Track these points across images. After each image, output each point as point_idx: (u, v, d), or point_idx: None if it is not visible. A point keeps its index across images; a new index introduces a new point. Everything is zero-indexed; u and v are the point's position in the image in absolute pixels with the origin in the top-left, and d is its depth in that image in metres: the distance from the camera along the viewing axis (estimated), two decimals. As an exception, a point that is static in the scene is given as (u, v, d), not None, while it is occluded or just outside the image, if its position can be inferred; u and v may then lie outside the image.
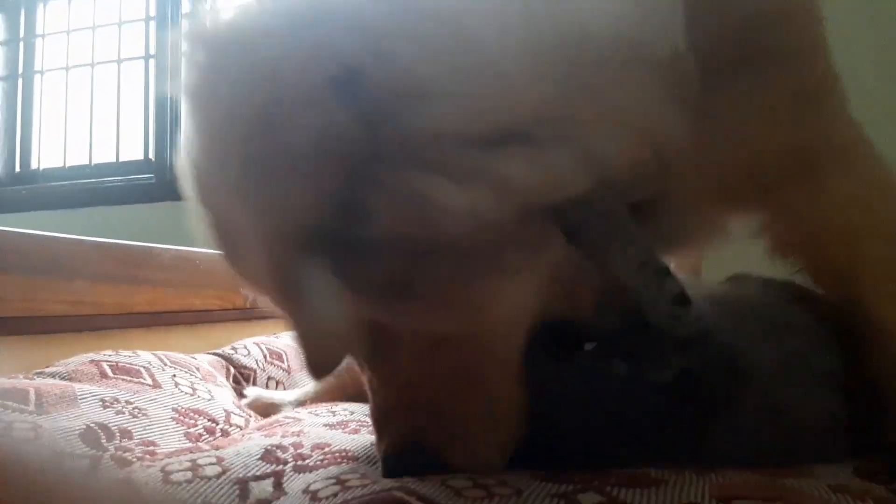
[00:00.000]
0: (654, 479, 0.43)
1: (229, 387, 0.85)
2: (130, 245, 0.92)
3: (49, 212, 2.31)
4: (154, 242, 0.95)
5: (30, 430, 0.53)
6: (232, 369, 0.92)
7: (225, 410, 0.72)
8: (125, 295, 0.89)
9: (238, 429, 0.70)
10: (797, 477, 0.45)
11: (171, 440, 0.61)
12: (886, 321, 0.52)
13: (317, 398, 0.82)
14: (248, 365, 0.94)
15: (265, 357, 0.99)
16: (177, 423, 0.65)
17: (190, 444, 0.61)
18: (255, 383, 0.93)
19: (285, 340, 1.08)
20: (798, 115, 0.52)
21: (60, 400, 0.59)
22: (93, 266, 0.85)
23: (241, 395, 0.85)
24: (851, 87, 0.55)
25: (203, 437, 0.65)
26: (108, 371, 0.69)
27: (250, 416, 0.76)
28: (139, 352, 0.77)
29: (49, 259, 0.79)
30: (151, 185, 2.28)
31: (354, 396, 0.76)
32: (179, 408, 0.67)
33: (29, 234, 0.77)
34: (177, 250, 0.96)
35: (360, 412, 0.70)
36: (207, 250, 1.06)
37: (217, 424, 0.69)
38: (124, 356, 0.74)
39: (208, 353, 0.92)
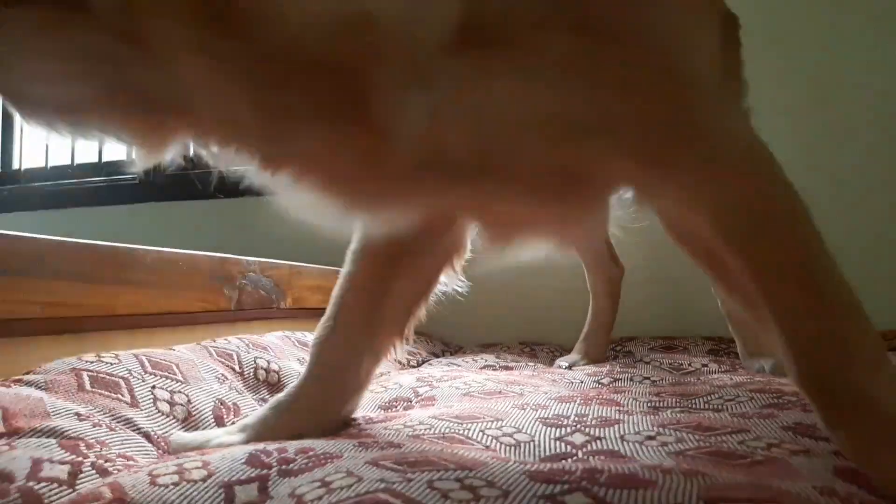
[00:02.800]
0: (643, 480, 0.43)
1: (216, 370, 0.85)
2: (113, 246, 0.91)
3: (31, 213, 2.29)
4: (137, 244, 0.94)
5: (3, 444, 0.53)
6: (213, 350, 0.91)
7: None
8: (107, 297, 0.88)
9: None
10: (783, 478, 0.45)
11: (146, 459, 0.61)
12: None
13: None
14: (227, 349, 0.94)
15: (247, 344, 0.99)
16: (153, 445, 0.65)
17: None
18: (239, 362, 0.92)
19: (270, 339, 1.07)
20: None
21: (33, 415, 0.59)
22: (74, 267, 0.84)
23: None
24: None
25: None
26: (87, 383, 0.68)
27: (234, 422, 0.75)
28: (121, 354, 0.76)
29: (30, 260, 0.78)
30: (134, 185, 2.26)
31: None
32: (153, 434, 0.67)
33: (10, 234, 0.76)
34: (160, 252, 0.95)
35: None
36: (192, 251, 1.05)
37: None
38: (105, 363, 0.74)
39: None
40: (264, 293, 1.18)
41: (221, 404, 0.78)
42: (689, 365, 1.20)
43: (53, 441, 0.55)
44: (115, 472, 0.53)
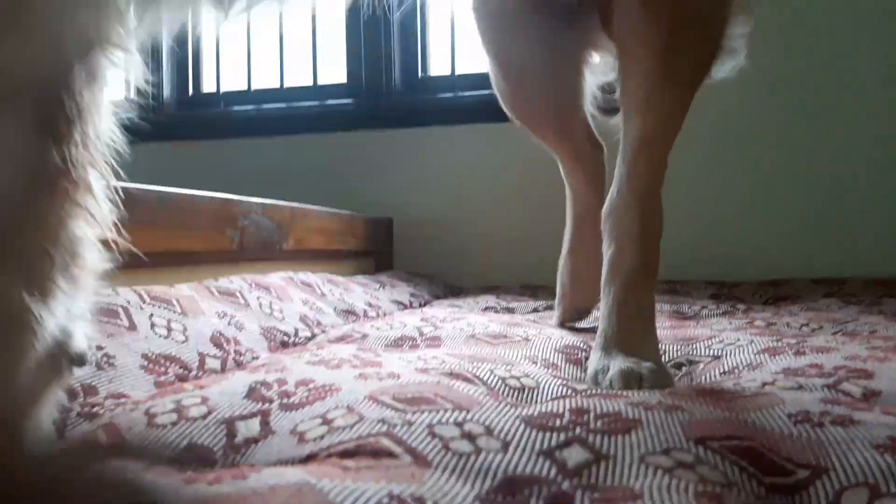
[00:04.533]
0: (628, 420, 0.44)
1: (216, 306, 0.85)
2: (114, 186, 0.90)
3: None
4: (139, 183, 0.93)
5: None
6: (215, 290, 0.91)
7: (199, 354, 0.72)
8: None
9: (214, 373, 0.70)
10: (759, 409, 0.47)
11: (140, 391, 0.60)
12: None
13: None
14: (230, 289, 0.94)
15: (250, 284, 0.99)
16: (146, 373, 0.64)
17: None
18: (244, 297, 0.93)
19: (273, 279, 1.07)
20: None
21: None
22: (75, 207, 0.83)
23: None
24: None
25: (175, 385, 0.65)
26: (85, 311, 0.68)
27: (228, 356, 0.76)
28: (119, 289, 0.76)
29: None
30: (135, 125, 2.24)
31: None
32: (150, 354, 0.67)
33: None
34: (161, 192, 0.95)
35: (345, 351, 0.70)
36: (193, 192, 1.04)
37: (190, 372, 0.69)
38: (103, 295, 0.73)
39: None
40: (266, 234, 1.18)
41: (220, 335, 0.78)
42: (690, 309, 1.21)
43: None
44: (104, 412, 0.52)
